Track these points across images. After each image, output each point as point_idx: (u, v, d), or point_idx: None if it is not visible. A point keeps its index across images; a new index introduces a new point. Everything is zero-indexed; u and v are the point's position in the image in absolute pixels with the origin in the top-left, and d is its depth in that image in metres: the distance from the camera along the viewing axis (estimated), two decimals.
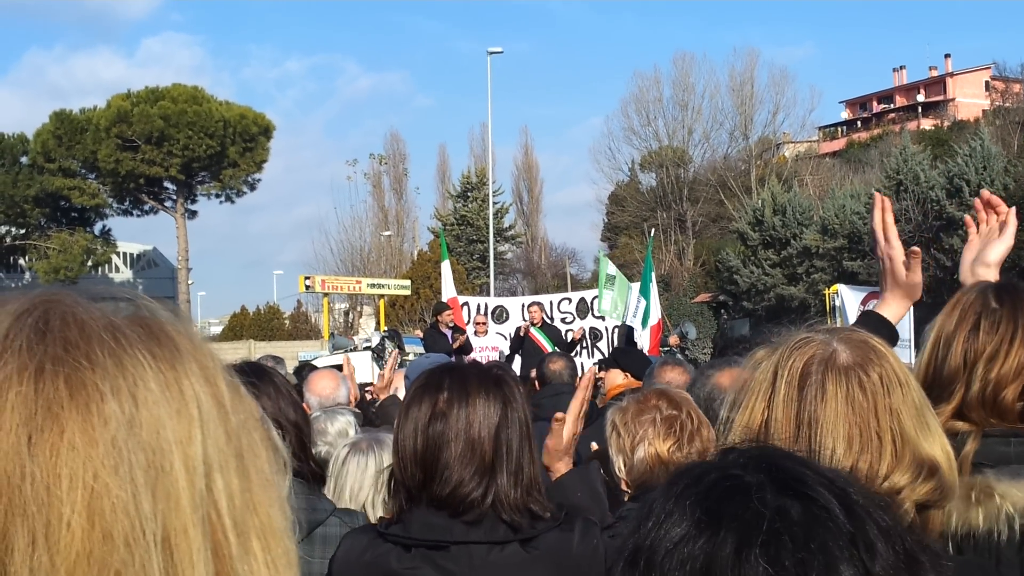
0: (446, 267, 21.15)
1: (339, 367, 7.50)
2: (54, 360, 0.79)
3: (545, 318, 18.25)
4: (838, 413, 1.88)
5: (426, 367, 2.92)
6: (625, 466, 3.47)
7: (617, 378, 7.06)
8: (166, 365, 0.84)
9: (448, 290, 20.34)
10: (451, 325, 17.31)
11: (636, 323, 18.49)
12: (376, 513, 3.68)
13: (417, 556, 2.52)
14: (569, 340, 17.87)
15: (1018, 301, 2.36)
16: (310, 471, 3.53)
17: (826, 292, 25.88)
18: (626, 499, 3.51)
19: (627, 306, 18.64)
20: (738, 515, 1.10)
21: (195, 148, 56.44)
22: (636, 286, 19.56)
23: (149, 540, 0.78)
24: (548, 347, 16.32)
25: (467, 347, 17.11)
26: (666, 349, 18.40)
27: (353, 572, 2.59)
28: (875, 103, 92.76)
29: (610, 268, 19.63)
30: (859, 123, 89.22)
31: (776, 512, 1.09)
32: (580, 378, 7.31)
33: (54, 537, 0.75)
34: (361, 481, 3.77)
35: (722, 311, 53.97)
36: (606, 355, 14.51)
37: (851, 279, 38.81)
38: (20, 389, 0.78)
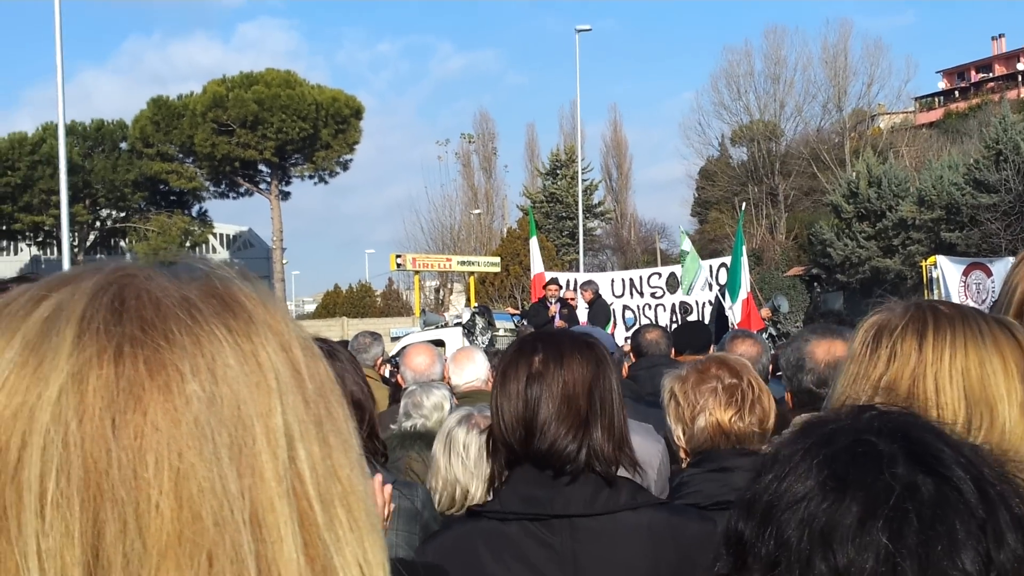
0: (534, 243, 21.27)
1: (436, 342, 7.58)
2: (132, 341, 0.79)
3: (597, 295, 18.42)
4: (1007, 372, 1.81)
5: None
6: (684, 434, 3.45)
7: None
8: (242, 337, 0.83)
9: (536, 266, 20.48)
10: (557, 299, 17.48)
11: (703, 296, 18.46)
12: None
13: (516, 528, 2.58)
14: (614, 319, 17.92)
15: None
16: (373, 448, 3.55)
17: (923, 264, 25.36)
18: (684, 465, 3.50)
19: (692, 283, 18.61)
20: (866, 484, 1.08)
21: (288, 131, 57.25)
22: (711, 262, 19.52)
23: (238, 518, 0.78)
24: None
25: (575, 323, 17.24)
26: (769, 323, 18.23)
27: (454, 552, 2.64)
28: (973, 72, 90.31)
29: (684, 244, 19.63)
30: (956, 93, 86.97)
31: (906, 487, 1.07)
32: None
33: (144, 520, 0.75)
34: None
35: (815, 284, 53.25)
36: None
37: (949, 250, 37.97)
38: (101, 372, 0.77)
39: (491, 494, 2.77)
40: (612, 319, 18.46)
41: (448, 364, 6.24)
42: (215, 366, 0.81)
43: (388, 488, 2.75)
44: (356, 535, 0.85)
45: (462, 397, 5.62)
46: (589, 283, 19.25)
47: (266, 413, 0.82)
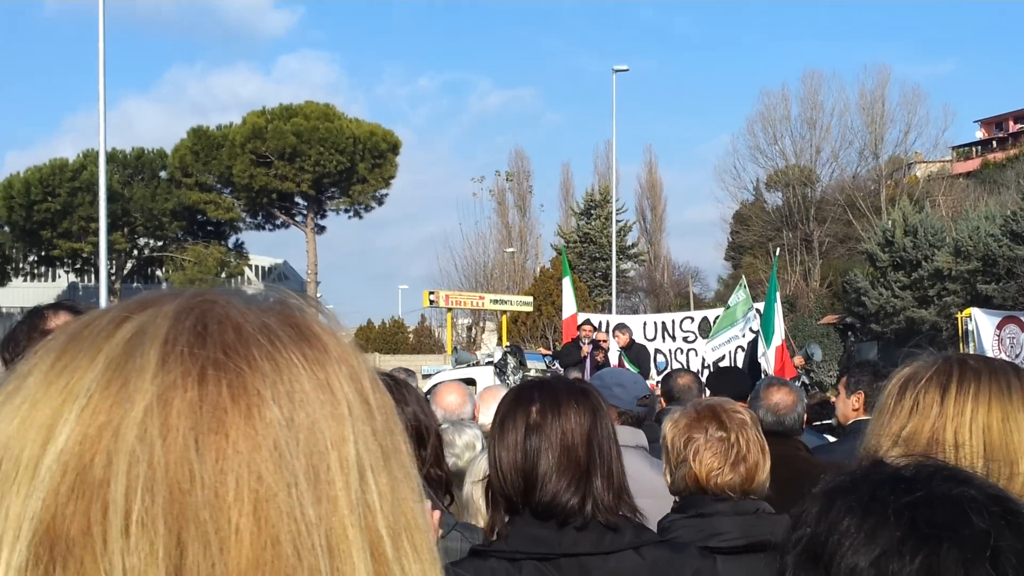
0: (567, 284, 21.25)
1: (468, 381, 7.62)
2: (215, 365, 0.80)
3: (633, 339, 18.32)
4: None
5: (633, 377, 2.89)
6: (670, 478, 3.51)
7: None
8: (317, 366, 0.84)
9: (569, 306, 20.47)
10: (590, 340, 17.49)
11: (727, 346, 18.35)
12: None
13: (526, 568, 2.60)
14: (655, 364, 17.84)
15: None
16: (441, 478, 3.62)
17: (959, 316, 25.21)
18: (671, 510, 3.55)
19: (719, 332, 18.53)
20: (960, 530, 1.08)
21: (326, 164, 57.70)
22: (748, 309, 19.44)
23: (316, 544, 0.78)
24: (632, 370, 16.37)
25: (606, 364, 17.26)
26: (802, 371, 18.15)
27: None
28: (1011, 123, 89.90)
29: (739, 295, 19.46)
30: (994, 143, 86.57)
31: (994, 528, 1.07)
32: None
33: (226, 543, 0.76)
34: None
35: (849, 333, 52.94)
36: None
37: (985, 303, 37.69)
38: (185, 394, 0.78)
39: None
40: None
41: (476, 402, 6.30)
42: (293, 392, 0.82)
43: (437, 515, 2.78)
44: (420, 568, 0.85)
45: (489, 435, 5.67)
46: (622, 327, 19.21)
47: (340, 441, 0.82)
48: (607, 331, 19.67)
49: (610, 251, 49.72)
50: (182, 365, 0.80)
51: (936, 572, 1.05)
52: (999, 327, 20.95)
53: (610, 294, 46.94)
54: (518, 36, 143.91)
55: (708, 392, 7.21)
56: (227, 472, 0.77)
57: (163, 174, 61.23)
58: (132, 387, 0.78)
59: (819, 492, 1.21)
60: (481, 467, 3.93)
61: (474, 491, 3.89)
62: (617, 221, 56.12)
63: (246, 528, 0.76)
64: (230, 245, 64.54)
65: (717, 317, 19.54)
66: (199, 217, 62.06)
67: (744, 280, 20.90)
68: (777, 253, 22.16)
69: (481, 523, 3.76)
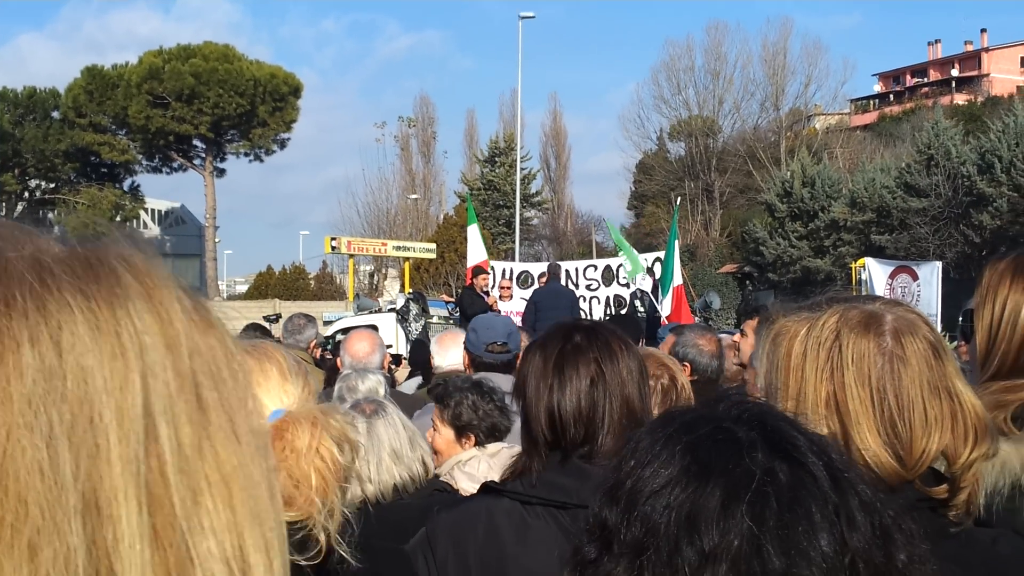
0: (473, 231, 21.14)
1: (369, 327, 7.58)
2: None
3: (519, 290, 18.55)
4: (920, 375, 1.85)
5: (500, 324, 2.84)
6: None
7: None
8: (102, 304, 0.75)
9: (478, 254, 20.35)
10: (486, 288, 17.49)
11: (644, 285, 18.61)
12: (416, 468, 3.70)
13: (541, 513, 2.57)
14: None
15: None
16: None
17: (853, 266, 25.78)
18: None
19: (636, 273, 18.82)
20: (728, 469, 1.11)
21: (225, 106, 56.64)
22: (646, 256, 19.76)
23: (69, 503, 0.70)
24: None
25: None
26: (700, 318, 18.44)
27: (472, 525, 2.63)
28: (909, 77, 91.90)
29: (617, 233, 19.83)
30: (892, 97, 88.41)
31: (765, 472, 1.10)
32: None
33: None
34: (399, 438, 3.75)
35: (747, 282, 53.87)
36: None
37: (879, 253, 38.60)
38: None
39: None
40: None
41: (432, 345, 6.44)
42: (61, 335, 0.73)
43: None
44: (230, 525, 0.77)
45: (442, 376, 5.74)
46: (543, 275, 19.40)
47: (120, 387, 0.74)
48: (511, 279, 19.70)
49: (514, 199, 49.71)
50: None
51: (698, 507, 1.09)
52: (891, 276, 21.49)
53: (513, 242, 46.99)
54: None
55: None
56: None
57: (56, 114, 59.50)
58: None
59: (640, 430, 1.26)
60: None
61: (383, 442, 3.79)
62: (521, 169, 56.09)
63: None
64: (125, 188, 63.08)
65: (619, 265, 19.74)
66: (93, 159, 60.47)
67: (606, 220, 21.33)
68: (678, 202, 22.47)
69: (357, 489, 3.59)
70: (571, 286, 19.67)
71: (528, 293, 18.67)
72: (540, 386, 2.66)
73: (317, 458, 1.82)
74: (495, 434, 4.20)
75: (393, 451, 3.68)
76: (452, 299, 20.96)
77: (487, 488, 2.73)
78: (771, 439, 1.15)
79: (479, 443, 4.18)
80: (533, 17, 44.17)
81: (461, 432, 4.15)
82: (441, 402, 4.23)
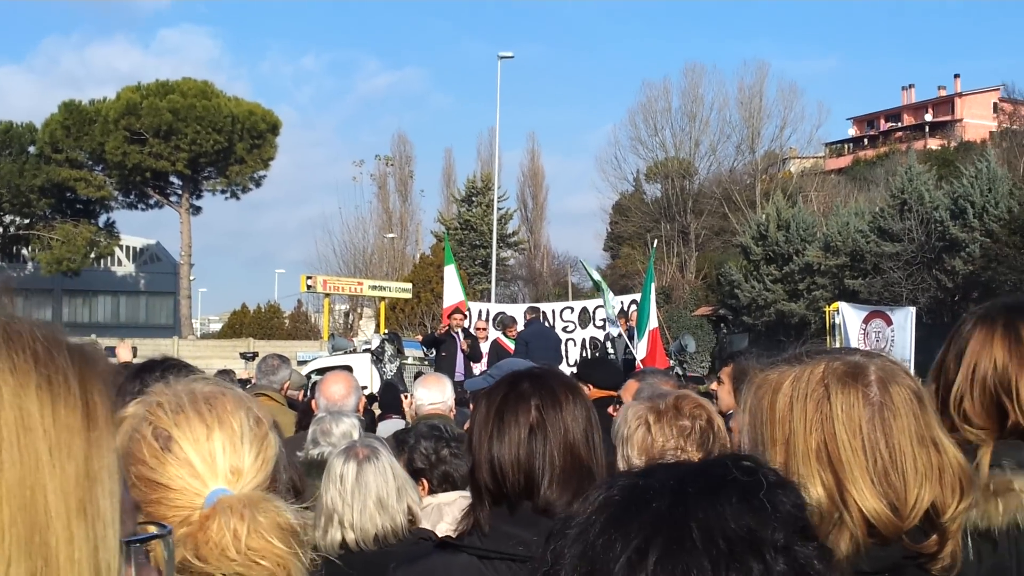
0: (450, 272, 21.14)
1: (344, 368, 7.54)
2: None
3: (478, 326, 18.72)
4: (908, 428, 1.85)
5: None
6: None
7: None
8: None
9: (453, 295, 20.33)
10: (459, 328, 17.62)
11: (613, 331, 18.67)
12: (399, 519, 3.68)
13: (500, 568, 2.51)
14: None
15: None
16: None
17: (827, 310, 25.88)
18: None
19: (611, 315, 18.87)
20: (625, 521, 1.09)
21: (203, 143, 56.56)
22: (622, 298, 19.86)
23: None
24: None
25: (476, 354, 17.30)
26: (675, 362, 18.44)
27: None
28: (883, 121, 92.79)
29: (596, 274, 19.87)
30: (866, 140, 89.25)
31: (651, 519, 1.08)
32: None
33: None
34: (387, 487, 3.73)
35: (722, 325, 53.98)
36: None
37: (852, 297, 38.82)
38: None
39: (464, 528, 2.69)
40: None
41: (416, 386, 6.51)
42: None
43: None
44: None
45: (424, 418, 5.79)
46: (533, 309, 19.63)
47: None
48: (487, 320, 19.69)
49: (490, 239, 49.77)
50: None
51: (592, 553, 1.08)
52: (865, 321, 21.56)
53: (489, 282, 47.00)
54: (407, 16, 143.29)
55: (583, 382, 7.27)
56: None
57: (32, 149, 59.25)
58: None
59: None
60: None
61: (323, 480, 3.77)
62: (498, 209, 56.24)
63: None
64: (100, 224, 62.74)
65: (597, 307, 19.78)
66: (69, 195, 60.16)
67: (581, 260, 21.44)
68: (655, 244, 22.53)
69: (319, 511, 3.66)
70: (548, 326, 19.69)
71: (499, 335, 18.66)
72: (482, 435, 2.62)
73: (248, 554, 1.75)
74: (449, 481, 4.19)
75: (379, 499, 3.67)
76: (421, 336, 20.80)
77: (444, 543, 2.69)
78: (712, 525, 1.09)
79: (432, 491, 4.17)
80: (512, 57, 44.41)
81: (415, 478, 4.15)
82: (399, 447, 4.24)
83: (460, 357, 17.18)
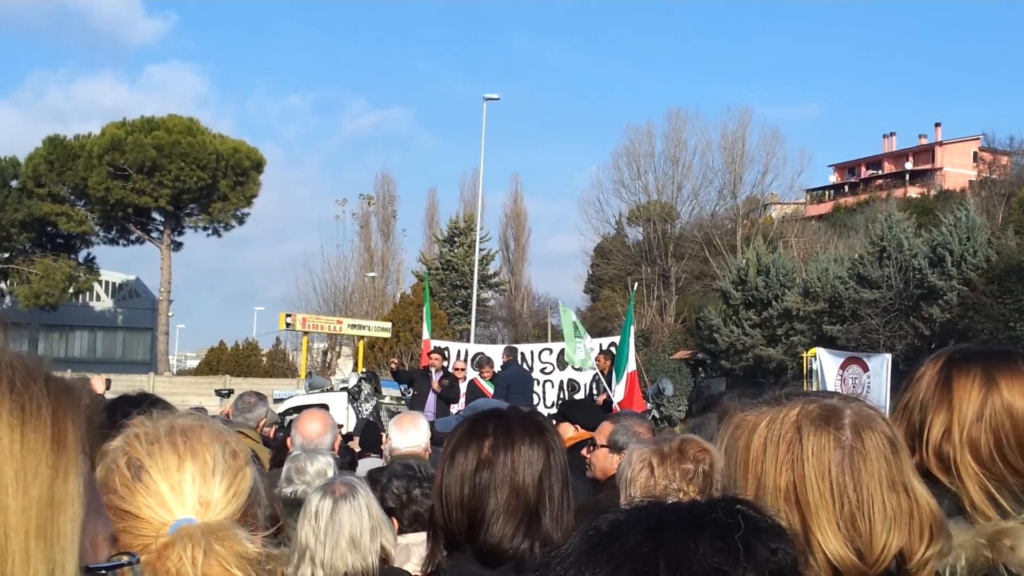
0: (426, 311, 21.43)
1: (320, 406, 7.53)
2: None
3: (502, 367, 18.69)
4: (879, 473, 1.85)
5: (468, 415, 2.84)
6: None
7: (567, 431, 6.88)
8: None
9: (425, 332, 20.66)
10: (441, 368, 17.71)
11: (588, 376, 18.78)
12: (371, 560, 3.68)
13: None
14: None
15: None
16: None
17: (804, 355, 26.01)
18: None
19: (579, 359, 18.95)
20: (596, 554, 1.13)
21: (186, 180, 56.49)
22: (601, 340, 19.95)
23: None
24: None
25: (454, 395, 17.31)
26: (653, 405, 18.50)
27: None
28: (864, 168, 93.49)
29: (574, 317, 19.92)
30: (846, 187, 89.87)
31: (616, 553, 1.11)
32: None
33: None
34: (361, 526, 3.72)
35: (700, 369, 54.03)
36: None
37: (830, 343, 38.97)
38: None
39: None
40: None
41: (390, 426, 6.43)
42: None
43: None
44: None
45: (399, 458, 5.77)
46: (510, 350, 19.73)
47: None
48: (465, 360, 19.71)
49: (471, 279, 49.80)
50: None
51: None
52: (842, 367, 21.67)
53: (469, 323, 46.97)
54: (394, 57, 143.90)
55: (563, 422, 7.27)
56: None
57: (15, 183, 59.03)
58: None
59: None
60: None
61: (300, 518, 3.79)
62: (480, 250, 56.34)
63: None
64: (80, 259, 62.39)
65: (562, 350, 19.94)
66: (49, 229, 59.86)
67: (560, 304, 21.54)
68: (635, 287, 22.60)
69: (308, 571, 3.65)
70: (525, 368, 19.72)
71: (476, 375, 18.69)
72: (440, 471, 2.62)
73: None
74: (420, 521, 4.20)
75: (352, 538, 3.66)
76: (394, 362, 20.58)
77: None
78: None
79: (402, 530, 4.18)
80: (497, 99, 44.67)
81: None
82: (372, 486, 4.26)
83: (432, 396, 17.23)
